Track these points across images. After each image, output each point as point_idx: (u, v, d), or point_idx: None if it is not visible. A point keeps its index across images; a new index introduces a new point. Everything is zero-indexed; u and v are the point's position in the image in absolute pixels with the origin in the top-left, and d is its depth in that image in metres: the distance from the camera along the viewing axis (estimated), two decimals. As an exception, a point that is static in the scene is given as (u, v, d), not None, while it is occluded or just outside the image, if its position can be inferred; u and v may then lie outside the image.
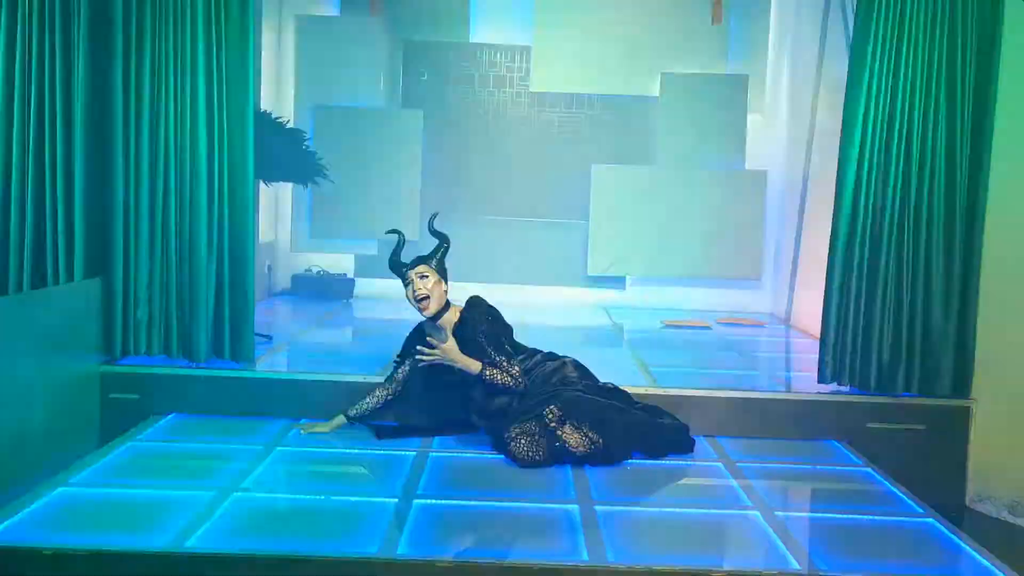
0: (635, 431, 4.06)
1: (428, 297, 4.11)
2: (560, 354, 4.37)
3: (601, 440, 3.94)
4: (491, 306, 4.23)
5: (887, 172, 4.52)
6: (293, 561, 3.00)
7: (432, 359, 4.09)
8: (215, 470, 3.75)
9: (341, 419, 4.25)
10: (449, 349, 4.09)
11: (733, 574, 3.03)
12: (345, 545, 3.09)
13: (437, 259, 4.19)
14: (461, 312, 4.19)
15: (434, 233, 4.24)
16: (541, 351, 4.37)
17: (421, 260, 4.18)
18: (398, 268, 4.20)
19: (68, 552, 2.96)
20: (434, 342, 4.10)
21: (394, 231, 4.29)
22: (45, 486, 3.49)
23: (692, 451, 4.18)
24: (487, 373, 4.08)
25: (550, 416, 3.95)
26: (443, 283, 4.18)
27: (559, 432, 3.92)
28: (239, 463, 3.83)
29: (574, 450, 3.89)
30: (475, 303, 4.22)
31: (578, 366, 4.30)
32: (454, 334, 4.15)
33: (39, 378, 3.99)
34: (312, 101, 7.66)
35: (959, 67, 4.47)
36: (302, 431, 4.23)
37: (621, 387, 4.33)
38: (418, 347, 4.14)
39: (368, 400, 4.26)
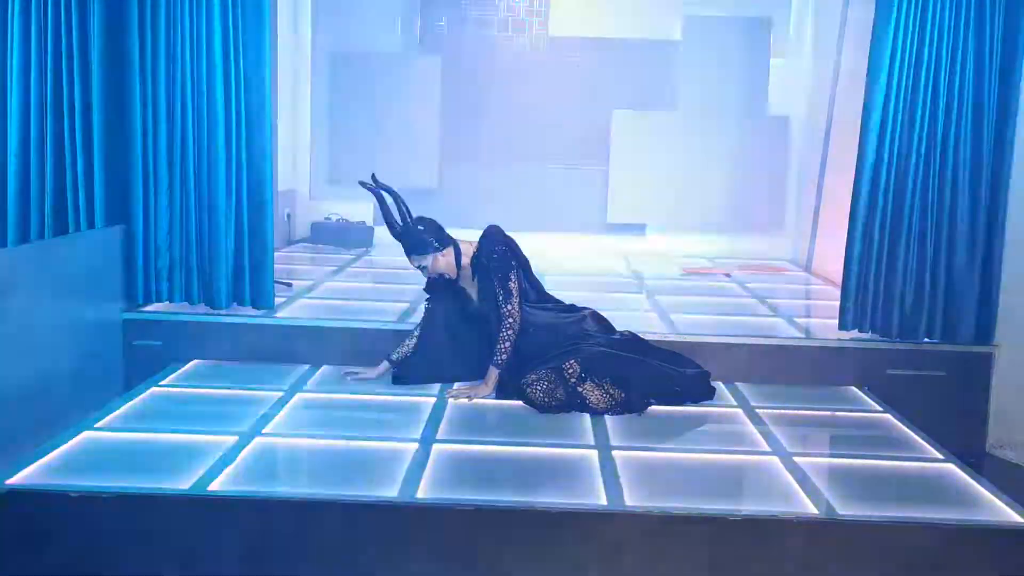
0: (656, 384, 4.06)
1: (442, 273, 4.15)
2: (580, 306, 4.34)
3: (623, 395, 3.94)
4: (506, 237, 4.17)
5: (913, 116, 4.44)
6: (314, 505, 3.04)
7: (468, 401, 4.05)
8: (237, 415, 3.78)
9: (385, 364, 4.27)
10: (477, 392, 4.07)
11: (751, 519, 3.04)
12: (365, 489, 3.12)
13: (422, 242, 4.12)
14: (477, 244, 4.16)
15: (391, 193, 4.16)
16: (562, 303, 4.34)
17: (408, 249, 4.14)
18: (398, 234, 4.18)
19: (93, 495, 3.00)
20: (461, 394, 4.06)
21: (365, 185, 4.21)
22: (70, 431, 3.54)
23: (712, 398, 4.18)
24: (499, 361, 4.05)
25: (570, 371, 3.96)
26: (440, 252, 4.12)
27: (580, 389, 3.93)
28: (261, 408, 3.87)
29: (594, 407, 3.90)
30: (489, 233, 4.17)
31: (598, 318, 4.28)
32: (472, 268, 4.14)
33: (63, 325, 4.03)
34: (329, 47, 7.59)
35: (988, 6, 4.36)
36: (349, 379, 4.25)
37: (640, 335, 4.33)
38: (448, 394, 4.09)
39: (408, 342, 4.27)
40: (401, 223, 4.14)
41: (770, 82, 7.50)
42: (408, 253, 4.16)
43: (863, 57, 4.60)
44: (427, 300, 4.34)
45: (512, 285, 4.06)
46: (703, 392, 4.17)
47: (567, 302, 4.37)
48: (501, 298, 4.04)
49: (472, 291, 4.20)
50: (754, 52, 7.45)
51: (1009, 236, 4.47)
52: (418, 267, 4.17)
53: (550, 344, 4.10)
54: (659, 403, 4.03)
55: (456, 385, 4.18)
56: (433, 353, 4.24)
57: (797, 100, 7.48)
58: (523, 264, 4.19)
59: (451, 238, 4.18)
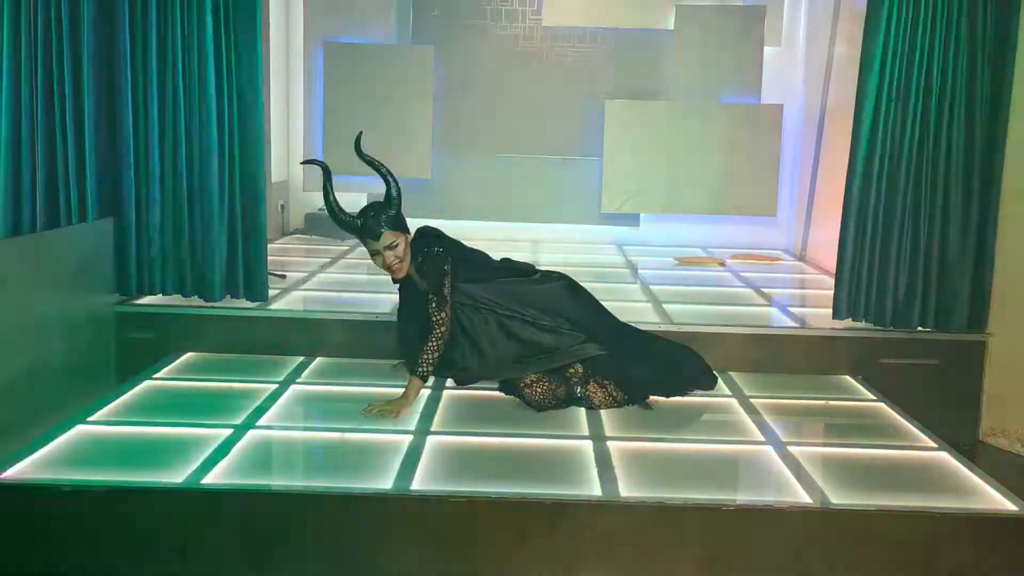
0: (658, 384, 4.03)
1: (401, 262, 3.86)
2: (554, 274, 4.20)
3: (624, 396, 3.92)
4: (440, 236, 3.99)
5: (906, 105, 4.44)
6: (309, 497, 3.04)
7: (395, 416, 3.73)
8: (231, 407, 3.78)
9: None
10: (398, 407, 3.75)
11: (745, 508, 3.05)
12: (360, 481, 3.12)
13: (399, 218, 3.84)
14: (412, 243, 3.92)
15: (374, 166, 3.86)
16: (536, 271, 4.20)
17: (381, 224, 3.79)
18: (348, 224, 3.83)
19: (86, 488, 3.00)
20: (379, 412, 3.71)
21: (313, 161, 3.98)
22: (63, 424, 3.53)
23: (714, 387, 4.16)
24: (423, 372, 3.81)
25: (574, 376, 3.92)
26: (409, 235, 3.89)
27: (584, 389, 3.89)
28: (255, 400, 3.87)
29: (598, 407, 3.88)
30: (422, 234, 3.99)
31: (573, 292, 4.15)
32: (416, 270, 3.93)
33: (56, 317, 4.02)
34: (321, 37, 7.55)
35: (981, -5, 4.36)
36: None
37: (633, 324, 4.32)
38: (364, 413, 3.72)
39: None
40: (383, 201, 3.85)
41: (764, 71, 7.48)
42: (377, 231, 3.79)
43: (857, 46, 4.60)
44: (399, 292, 4.16)
45: (446, 291, 3.85)
46: (704, 381, 4.15)
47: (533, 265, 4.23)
48: (434, 304, 3.83)
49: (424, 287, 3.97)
50: (747, 41, 7.42)
51: (1002, 224, 4.47)
52: (387, 247, 3.81)
53: (526, 334, 3.99)
54: (662, 395, 4.02)
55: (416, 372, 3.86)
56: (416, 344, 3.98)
57: (791, 89, 7.48)
58: (465, 258, 4.01)
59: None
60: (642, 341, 4.21)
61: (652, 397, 3.99)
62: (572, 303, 4.13)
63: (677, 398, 4.06)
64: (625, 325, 4.26)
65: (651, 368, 4.05)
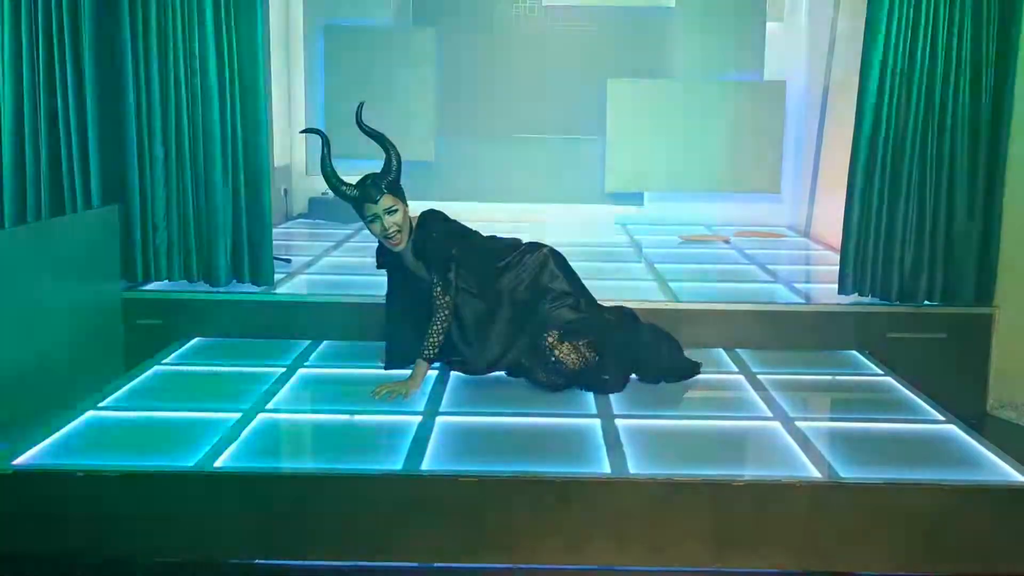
0: (631, 350, 3.94)
1: (400, 231, 3.80)
2: (539, 246, 4.11)
3: (596, 357, 3.84)
4: (444, 219, 3.93)
5: (911, 78, 4.42)
6: (319, 479, 3.05)
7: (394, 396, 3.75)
8: (240, 392, 3.79)
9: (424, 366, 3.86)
10: (407, 389, 3.77)
11: (754, 483, 3.06)
12: (370, 462, 3.14)
13: (398, 185, 3.77)
14: (415, 228, 3.87)
15: (375, 136, 3.79)
16: (521, 244, 4.12)
17: (381, 188, 3.73)
18: (341, 189, 3.78)
19: (99, 473, 3.02)
20: (388, 393, 3.75)
21: (312, 131, 3.95)
22: (74, 410, 3.55)
23: (692, 376, 4.03)
24: (429, 355, 3.80)
25: (551, 341, 3.84)
26: (407, 207, 3.84)
27: (556, 351, 3.82)
28: (264, 384, 3.88)
29: (571, 367, 3.80)
30: (428, 217, 3.89)
31: (560, 266, 4.06)
32: (414, 252, 3.88)
33: (63, 305, 4.03)
34: (321, 20, 7.53)
35: (986, -34, 4.34)
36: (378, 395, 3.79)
37: (638, 303, 4.30)
38: (374, 394, 3.75)
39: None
40: (382, 170, 3.77)
41: (766, 47, 7.44)
42: (375, 194, 3.72)
43: (860, 20, 4.57)
44: (389, 277, 4.12)
45: (451, 275, 3.81)
46: (683, 371, 4.03)
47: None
48: (439, 287, 3.80)
49: (418, 270, 3.94)
50: (749, 16, 7.38)
51: (1008, 197, 4.46)
52: (387, 211, 3.74)
53: (516, 303, 3.95)
54: (641, 380, 3.95)
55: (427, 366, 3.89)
56: (412, 327, 3.96)
57: (794, 65, 7.44)
58: (470, 243, 3.96)
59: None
60: (624, 316, 4.14)
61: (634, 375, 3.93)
62: (558, 272, 4.02)
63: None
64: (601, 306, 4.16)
65: (627, 338, 3.96)
